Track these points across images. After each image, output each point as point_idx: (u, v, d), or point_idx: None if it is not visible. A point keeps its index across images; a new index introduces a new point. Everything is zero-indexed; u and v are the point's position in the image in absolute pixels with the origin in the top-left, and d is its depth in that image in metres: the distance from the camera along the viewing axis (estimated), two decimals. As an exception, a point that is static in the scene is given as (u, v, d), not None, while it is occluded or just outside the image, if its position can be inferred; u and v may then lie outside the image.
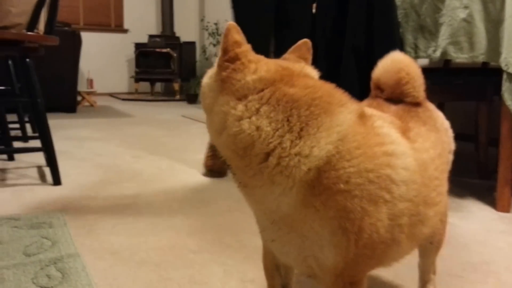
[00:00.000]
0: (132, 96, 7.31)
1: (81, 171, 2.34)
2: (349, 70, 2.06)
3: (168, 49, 7.17)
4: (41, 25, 2.00)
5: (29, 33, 1.94)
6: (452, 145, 0.92)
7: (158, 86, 8.14)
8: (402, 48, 1.99)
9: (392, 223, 0.66)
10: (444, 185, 0.83)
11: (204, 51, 7.27)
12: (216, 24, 7.25)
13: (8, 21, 1.85)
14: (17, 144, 2.72)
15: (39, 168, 2.36)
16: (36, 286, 1.13)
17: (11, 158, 2.50)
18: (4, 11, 1.80)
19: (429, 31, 1.94)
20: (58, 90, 5.01)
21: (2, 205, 1.75)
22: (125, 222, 1.61)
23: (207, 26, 7.24)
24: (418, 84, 0.88)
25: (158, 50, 7.18)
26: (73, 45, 5.05)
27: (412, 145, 0.72)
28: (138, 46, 7.32)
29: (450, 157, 0.90)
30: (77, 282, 1.15)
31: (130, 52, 7.66)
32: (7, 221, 1.55)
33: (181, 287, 1.15)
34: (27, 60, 1.98)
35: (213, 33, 7.33)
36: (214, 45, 7.31)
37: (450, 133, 0.92)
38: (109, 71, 7.81)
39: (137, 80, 7.37)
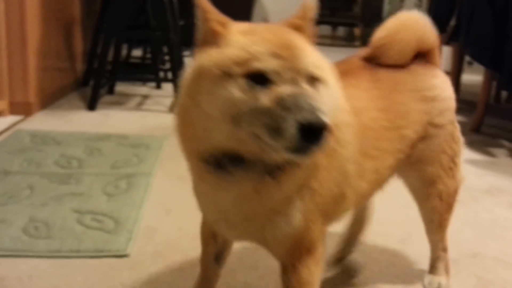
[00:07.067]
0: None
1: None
2: (484, 22, 1.85)
3: (351, -9, 6.90)
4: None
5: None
6: (439, 118, 0.85)
7: (341, 31, 7.98)
8: None
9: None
10: (389, 143, 0.78)
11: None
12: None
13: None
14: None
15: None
16: (102, 192, 1.35)
17: (158, 87, 2.85)
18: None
19: None
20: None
21: (125, 125, 2.05)
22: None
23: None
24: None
25: (341, -9, 6.96)
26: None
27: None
28: (319, -14, 7.23)
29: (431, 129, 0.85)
30: (133, 195, 1.34)
31: (312, -7, 7.61)
32: (117, 138, 1.83)
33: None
34: (162, -2, 2.20)
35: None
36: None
37: (438, 104, 0.85)
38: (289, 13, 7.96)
39: (316, 23, 7.33)
